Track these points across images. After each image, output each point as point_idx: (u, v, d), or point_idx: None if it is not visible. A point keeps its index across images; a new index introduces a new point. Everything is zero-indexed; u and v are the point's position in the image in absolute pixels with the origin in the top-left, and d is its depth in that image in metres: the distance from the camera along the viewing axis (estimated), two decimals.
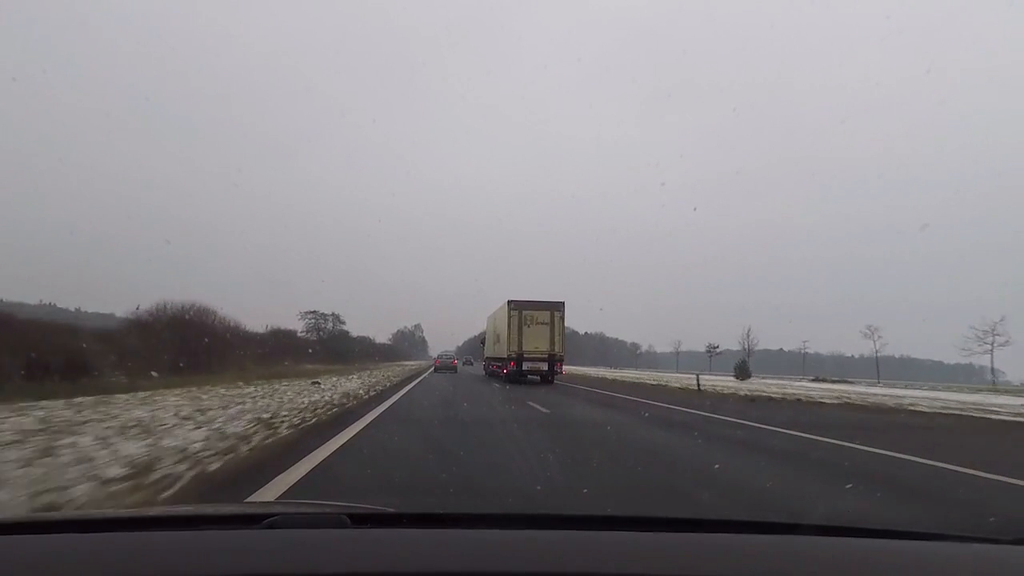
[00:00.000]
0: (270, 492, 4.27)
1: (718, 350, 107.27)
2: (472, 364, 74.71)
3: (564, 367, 26.63)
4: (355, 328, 77.39)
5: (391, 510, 1.44)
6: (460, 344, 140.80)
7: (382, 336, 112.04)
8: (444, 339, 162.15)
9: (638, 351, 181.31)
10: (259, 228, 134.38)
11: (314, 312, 67.44)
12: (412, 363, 76.47)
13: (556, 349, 24.95)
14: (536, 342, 24.88)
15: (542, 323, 25.03)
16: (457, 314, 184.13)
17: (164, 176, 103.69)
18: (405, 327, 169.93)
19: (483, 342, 37.15)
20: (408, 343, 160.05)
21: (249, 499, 4.03)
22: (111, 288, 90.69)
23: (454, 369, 45.36)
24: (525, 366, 24.81)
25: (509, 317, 25.17)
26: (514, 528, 1.35)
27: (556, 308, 25.32)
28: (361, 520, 1.29)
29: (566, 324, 25.78)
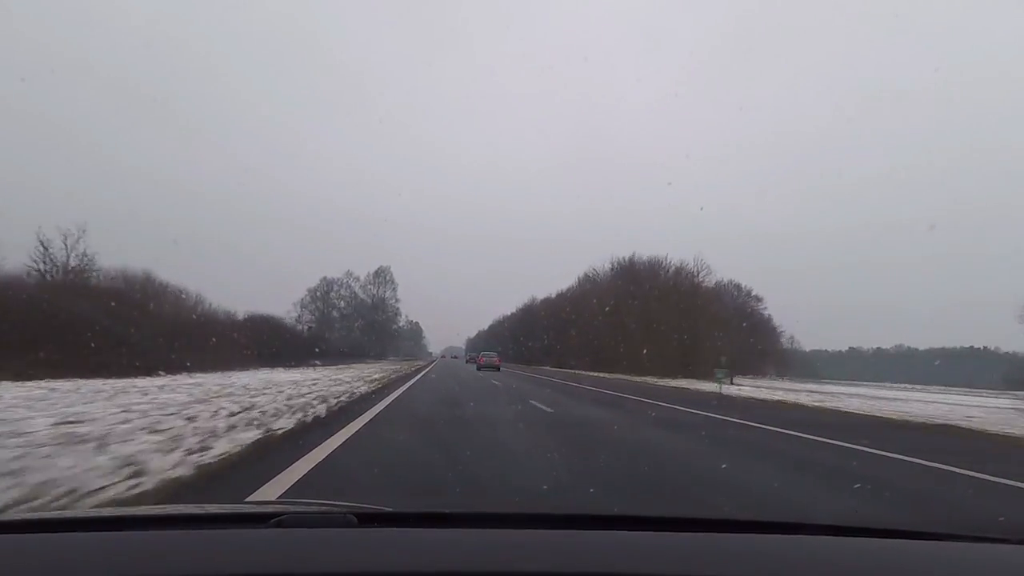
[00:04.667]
0: None
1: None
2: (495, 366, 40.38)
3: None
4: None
5: (398, 509, 1.45)
6: (472, 336, 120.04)
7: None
8: (449, 336, 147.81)
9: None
10: (264, 227, 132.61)
11: None
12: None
13: None
14: None
15: None
16: (457, 312, 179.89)
17: (171, 175, 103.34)
18: (351, 274, 74.07)
19: None
20: (366, 318, 71.01)
21: None
22: None
23: (497, 368, 39.58)
24: None
25: None
26: (521, 527, 1.34)
27: None
28: (368, 519, 1.29)
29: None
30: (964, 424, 12.22)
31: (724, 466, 6.20)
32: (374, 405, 11.43)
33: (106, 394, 10.53)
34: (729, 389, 24.06)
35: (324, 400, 11.12)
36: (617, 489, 4.92)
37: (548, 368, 49.72)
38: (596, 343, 48.61)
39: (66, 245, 32.32)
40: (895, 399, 23.75)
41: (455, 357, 76.66)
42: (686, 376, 37.23)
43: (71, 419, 6.74)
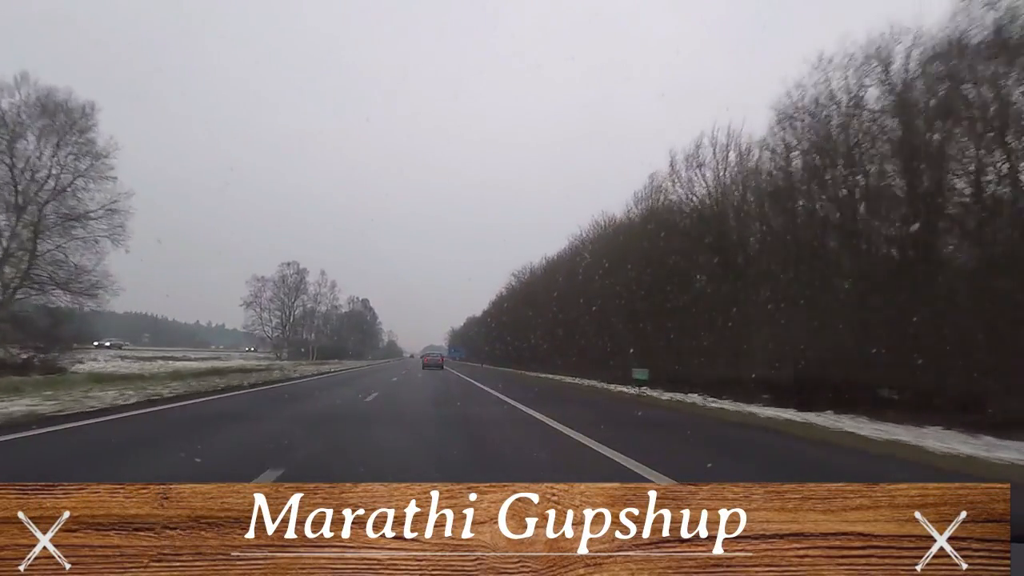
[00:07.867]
0: None
1: None
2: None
3: None
4: None
5: None
6: (456, 328, 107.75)
7: None
8: (434, 334, 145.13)
9: None
10: (251, 228, 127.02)
11: None
12: None
13: None
14: None
15: None
16: (445, 308, 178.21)
17: (156, 174, 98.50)
18: None
19: None
20: None
21: None
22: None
23: (440, 366, 39.81)
24: None
25: None
26: None
27: None
28: None
29: None
30: None
31: None
32: None
33: None
34: None
35: None
36: None
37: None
38: None
39: None
40: None
41: (423, 357, 72.92)
42: None
43: None
